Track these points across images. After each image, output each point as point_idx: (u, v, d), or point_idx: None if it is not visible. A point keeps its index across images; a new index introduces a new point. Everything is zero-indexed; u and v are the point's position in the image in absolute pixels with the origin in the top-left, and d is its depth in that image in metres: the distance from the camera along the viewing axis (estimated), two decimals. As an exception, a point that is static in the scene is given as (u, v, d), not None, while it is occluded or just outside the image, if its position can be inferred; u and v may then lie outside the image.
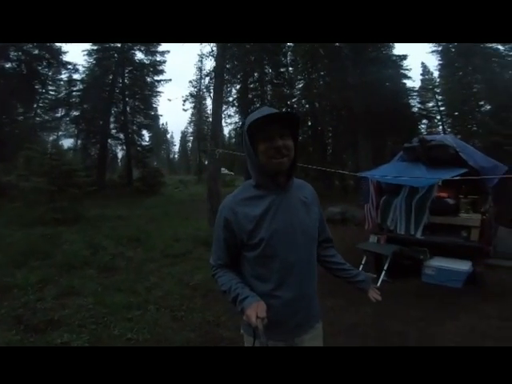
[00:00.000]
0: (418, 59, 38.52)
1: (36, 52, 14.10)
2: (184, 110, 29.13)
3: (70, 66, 15.57)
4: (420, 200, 4.14)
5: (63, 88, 16.07)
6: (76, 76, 16.11)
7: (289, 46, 16.81)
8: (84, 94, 15.90)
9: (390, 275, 3.78)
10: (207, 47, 15.38)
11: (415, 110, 17.34)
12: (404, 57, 14.69)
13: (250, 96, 16.84)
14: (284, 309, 1.04)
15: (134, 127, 17.59)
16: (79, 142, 17.00)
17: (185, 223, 8.00)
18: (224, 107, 15.97)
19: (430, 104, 23.73)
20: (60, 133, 16.92)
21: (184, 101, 15.17)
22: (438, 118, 22.53)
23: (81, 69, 16.06)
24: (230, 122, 18.19)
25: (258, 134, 1.01)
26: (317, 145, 17.05)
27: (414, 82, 16.02)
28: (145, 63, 17.34)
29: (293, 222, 1.05)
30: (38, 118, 15.36)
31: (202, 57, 14.82)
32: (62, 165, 8.60)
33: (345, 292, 2.85)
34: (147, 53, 17.07)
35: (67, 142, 17.80)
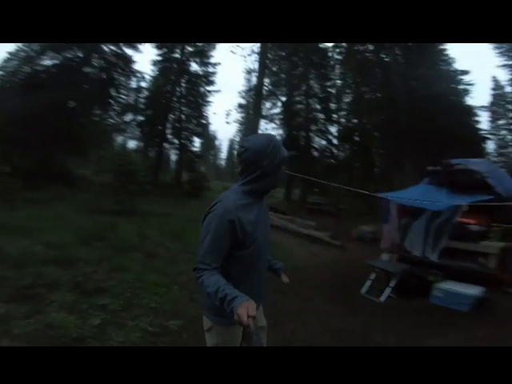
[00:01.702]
0: (487, 74, 34.12)
1: (113, 60, 16.23)
2: (227, 122, 30.17)
3: (138, 75, 17.55)
4: (440, 224, 4.15)
5: (132, 94, 18.05)
6: (143, 84, 18.14)
7: (337, 59, 16.93)
8: (148, 101, 17.88)
9: (398, 293, 3.88)
10: (251, 64, 16.05)
11: (480, 128, 15.76)
12: (465, 72, 13.73)
13: (294, 109, 17.20)
14: (255, 292, 1.22)
15: (187, 133, 19.03)
16: (142, 144, 19.20)
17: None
18: (266, 121, 16.65)
19: (502, 121, 21.45)
20: (128, 135, 19.30)
21: (227, 114, 16.13)
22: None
23: (147, 77, 18.06)
24: (274, 134, 18.69)
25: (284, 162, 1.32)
26: (362, 162, 16.65)
27: (472, 98, 14.32)
28: (199, 74, 18.65)
29: (267, 225, 1.37)
30: (111, 121, 17.66)
31: (249, 72, 15.68)
32: (127, 164, 10.02)
33: (341, 299, 3.08)
34: (201, 64, 18.44)
35: (131, 144, 20.26)
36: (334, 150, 18.20)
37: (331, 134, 17.81)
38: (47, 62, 14.72)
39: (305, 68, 16.36)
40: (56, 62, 14.64)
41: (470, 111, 14.36)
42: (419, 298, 3.85)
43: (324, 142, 18.03)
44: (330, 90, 17.75)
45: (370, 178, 16.01)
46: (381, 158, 17.25)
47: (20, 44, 17.79)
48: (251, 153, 1.24)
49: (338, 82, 17.77)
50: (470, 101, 14.40)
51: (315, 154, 18.58)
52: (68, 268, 3.97)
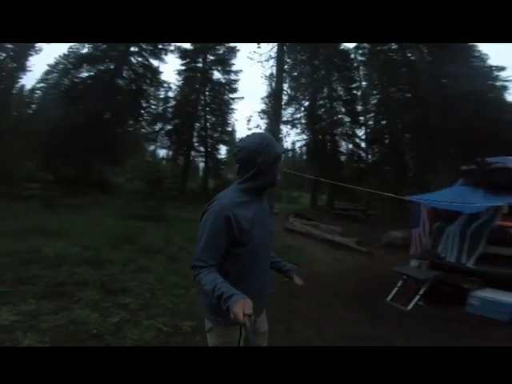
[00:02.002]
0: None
1: (141, 71, 17.16)
2: (248, 129, 29.91)
3: (165, 85, 18.44)
4: (477, 228, 3.81)
5: (161, 104, 18.89)
6: (170, 94, 18.92)
7: (361, 61, 16.49)
8: (175, 110, 18.55)
9: (428, 301, 3.63)
10: (268, 70, 16.06)
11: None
12: (501, 68, 12.77)
13: (318, 114, 16.91)
14: (256, 294, 1.19)
15: (213, 141, 19.39)
16: (171, 152, 20.01)
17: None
18: (288, 126, 16.50)
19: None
20: (158, 144, 20.17)
21: (248, 121, 16.21)
22: None
23: (173, 87, 18.82)
24: (299, 139, 18.58)
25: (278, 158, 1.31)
26: (393, 165, 15.85)
27: (511, 95, 13.28)
28: (222, 82, 18.99)
29: (266, 225, 1.33)
30: (143, 130, 18.60)
31: (270, 77, 15.84)
32: (155, 172, 10.48)
33: (363, 306, 2.91)
34: (224, 72, 18.78)
35: (162, 152, 21.19)
36: (362, 154, 17.59)
37: (358, 137, 17.26)
38: (83, 75, 15.94)
39: (327, 71, 16.05)
40: (91, 73, 15.78)
41: (510, 108, 13.17)
42: (452, 307, 3.57)
43: (351, 146, 17.50)
44: (354, 92, 17.28)
45: (403, 181, 15.18)
46: (413, 160, 16.32)
47: (57, 56, 19.53)
48: (246, 152, 1.27)
49: (363, 83, 17.33)
50: (510, 97, 13.33)
51: (342, 158, 18.09)
52: (98, 268, 4.20)
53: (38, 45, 14.73)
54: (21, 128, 14.75)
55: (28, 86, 21.02)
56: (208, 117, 19.03)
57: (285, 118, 16.27)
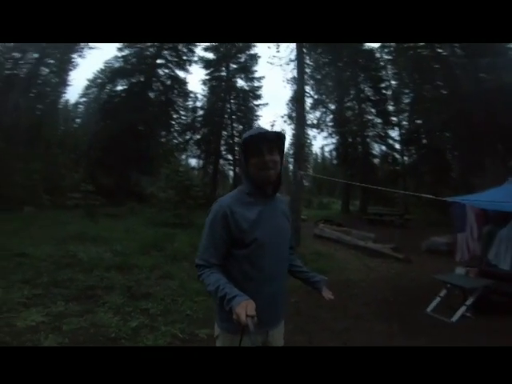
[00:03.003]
0: None
1: (169, 83, 17.86)
2: None
3: (192, 95, 19.05)
4: (536, 231, 3.27)
5: (189, 114, 19.40)
6: (197, 103, 19.44)
7: (388, 60, 15.74)
8: (203, 120, 19.06)
9: (476, 312, 3.22)
10: (289, 73, 15.79)
11: None
12: None
13: (346, 116, 16.35)
14: (266, 303, 1.10)
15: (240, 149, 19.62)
16: (201, 161, 20.56)
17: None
18: (316, 130, 16.14)
19: None
20: (188, 153, 20.83)
21: (272, 125, 15.68)
22: None
23: (200, 97, 19.36)
24: (327, 143, 18.14)
25: (251, 149, 1.16)
26: (433, 166, 14.69)
27: None
28: (245, 89, 19.19)
29: (278, 229, 1.22)
30: (174, 140, 19.30)
31: (292, 81, 15.59)
32: (185, 180, 10.81)
33: (398, 317, 2.61)
34: (247, 79, 19.01)
35: (193, 162, 21.86)
36: (397, 156, 16.60)
37: (391, 138, 16.35)
38: (118, 88, 17.02)
39: (352, 72, 15.54)
40: (125, 87, 16.80)
41: None
42: (505, 318, 3.11)
43: (384, 148, 16.62)
44: (384, 91, 16.43)
45: (444, 182, 14.00)
46: (455, 159, 15.01)
47: (95, 71, 21.00)
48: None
49: (393, 82, 16.42)
50: None
51: (375, 161, 17.25)
52: (126, 273, 4.36)
53: (75, 60, 15.89)
54: (67, 142, 16.16)
55: (72, 101, 22.88)
56: (234, 125, 19.36)
57: (311, 122, 16.03)
